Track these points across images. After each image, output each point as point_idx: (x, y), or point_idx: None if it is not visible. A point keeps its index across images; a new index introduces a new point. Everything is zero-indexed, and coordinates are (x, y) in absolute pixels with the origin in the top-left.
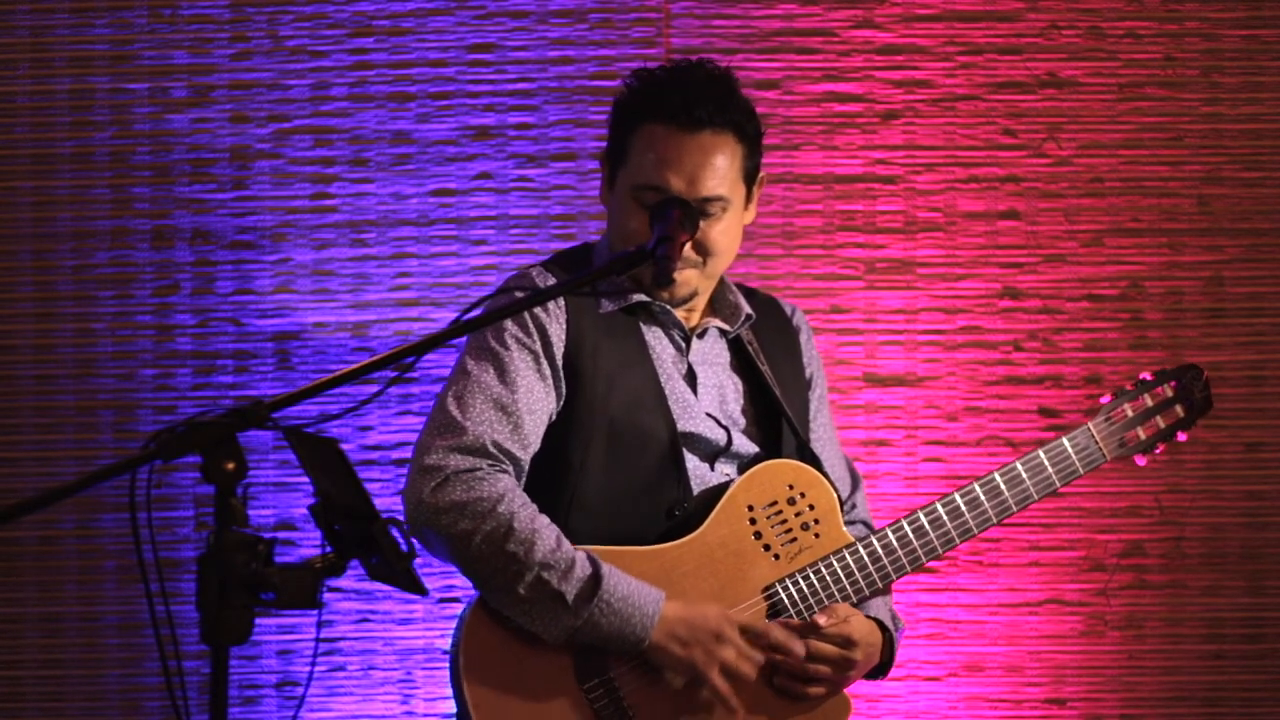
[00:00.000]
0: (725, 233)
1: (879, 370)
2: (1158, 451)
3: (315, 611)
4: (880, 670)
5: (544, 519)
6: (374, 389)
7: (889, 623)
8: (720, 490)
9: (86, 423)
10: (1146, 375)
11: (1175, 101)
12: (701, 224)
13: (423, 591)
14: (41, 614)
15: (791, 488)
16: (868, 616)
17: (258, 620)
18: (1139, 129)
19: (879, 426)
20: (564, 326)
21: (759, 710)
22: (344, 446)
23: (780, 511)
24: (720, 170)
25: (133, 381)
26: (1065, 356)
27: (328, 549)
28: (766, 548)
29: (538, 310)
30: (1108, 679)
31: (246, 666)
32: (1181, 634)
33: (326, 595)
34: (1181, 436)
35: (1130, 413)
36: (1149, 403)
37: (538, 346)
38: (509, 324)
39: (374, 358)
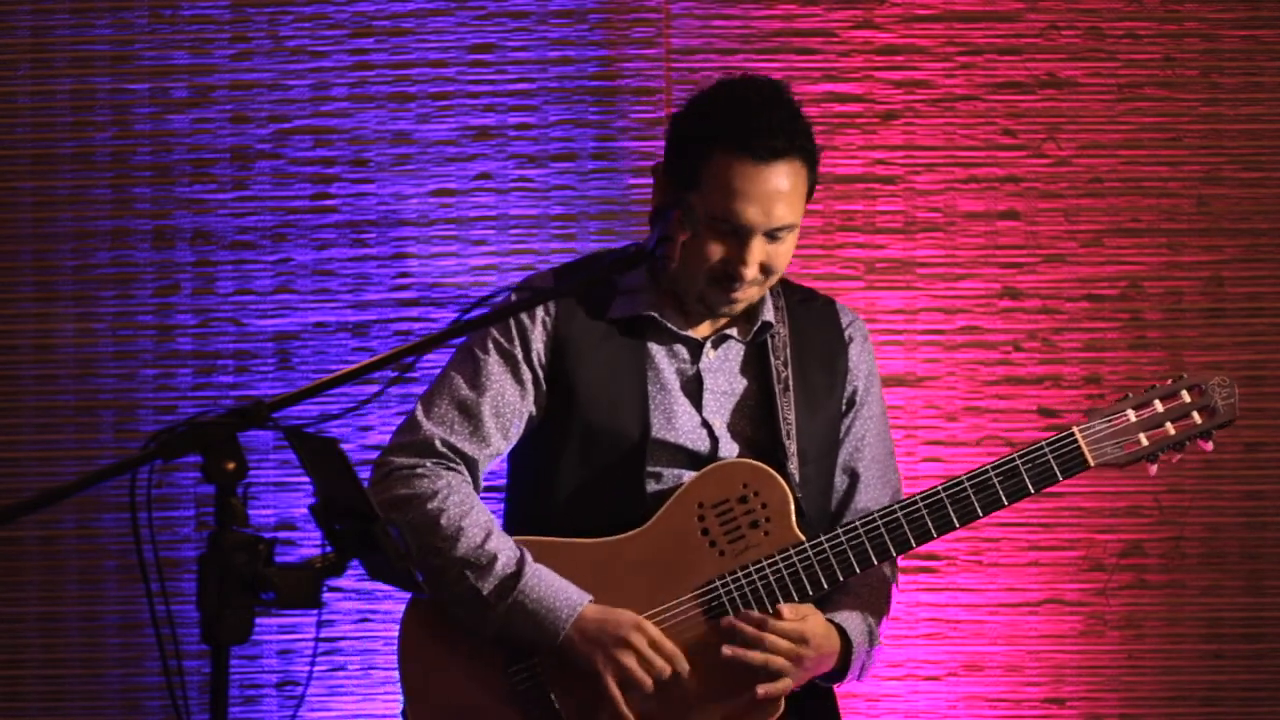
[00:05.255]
0: (788, 252)
1: (879, 370)
2: (1174, 461)
3: (315, 611)
4: (834, 675)
5: (477, 514)
6: (374, 389)
7: (856, 634)
8: (677, 488)
9: (87, 423)
10: (1167, 381)
11: (1174, 102)
12: (769, 247)
13: (423, 591)
14: (42, 613)
15: (745, 486)
16: (829, 620)
17: (258, 620)
18: (1138, 129)
19: None
20: (548, 333)
21: (677, 712)
22: (344, 446)
23: (730, 509)
24: (791, 198)
25: (133, 381)
26: (1065, 356)
27: (328, 549)
28: (712, 544)
29: (523, 316)
30: (1107, 679)
31: (247, 666)
32: (1181, 634)
33: (327, 595)
34: (1205, 446)
35: (1133, 417)
36: (1158, 407)
37: (518, 351)
38: (492, 330)
39: (374, 358)
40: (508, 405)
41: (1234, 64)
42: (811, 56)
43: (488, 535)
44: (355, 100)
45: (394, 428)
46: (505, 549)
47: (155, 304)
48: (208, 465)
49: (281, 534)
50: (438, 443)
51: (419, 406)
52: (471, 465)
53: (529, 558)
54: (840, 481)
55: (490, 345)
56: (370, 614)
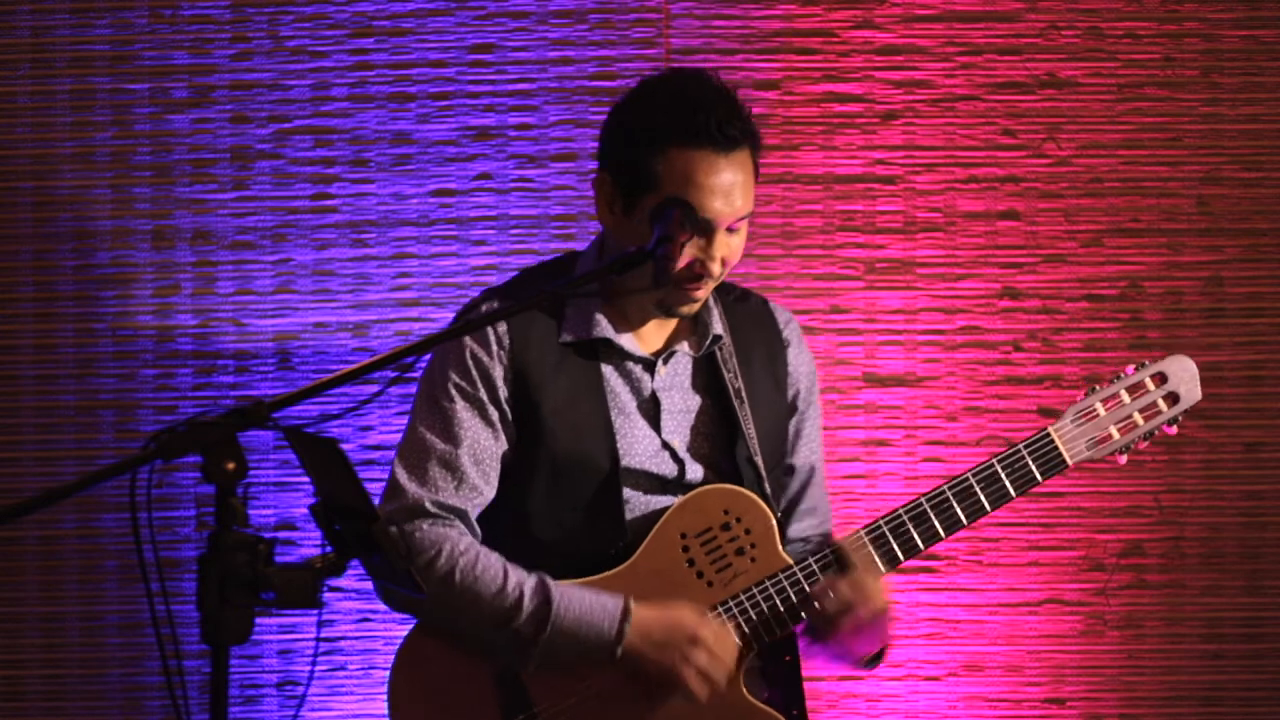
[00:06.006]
0: (742, 245)
1: (879, 370)
2: (1141, 448)
3: (315, 611)
4: (876, 659)
5: (489, 559)
6: (374, 389)
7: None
8: (655, 520)
9: (87, 423)
10: (1129, 369)
11: (1174, 102)
12: (731, 240)
13: (423, 591)
14: (43, 613)
15: (727, 513)
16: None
17: (258, 620)
18: (1138, 129)
19: (879, 426)
20: (506, 367)
21: None
22: (344, 446)
23: (714, 538)
24: (749, 186)
25: (133, 381)
26: (1065, 356)
27: (328, 549)
28: (700, 575)
29: (480, 354)
30: (1107, 679)
31: (247, 666)
32: (1180, 633)
33: (327, 595)
34: (1169, 430)
35: (1102, 411)
36: (1125, 399)
37: (483, 394)
38: (452, 375)
39: (374, 358)
40: (484, 451)
41: (1234, 64)
42: (811, 56)
43: (505, 575)
44: (355, 100)
45: (394, 428)
46: (527, 582)
47: (155, 304)
48: (208, 465)
49: (281, 534)
50: (427, 503)
51: (398, 469)
52: (464, 518)
53: (549, 580)
54: (796, 480)
55: (454, 392)
56: (370, 614)
